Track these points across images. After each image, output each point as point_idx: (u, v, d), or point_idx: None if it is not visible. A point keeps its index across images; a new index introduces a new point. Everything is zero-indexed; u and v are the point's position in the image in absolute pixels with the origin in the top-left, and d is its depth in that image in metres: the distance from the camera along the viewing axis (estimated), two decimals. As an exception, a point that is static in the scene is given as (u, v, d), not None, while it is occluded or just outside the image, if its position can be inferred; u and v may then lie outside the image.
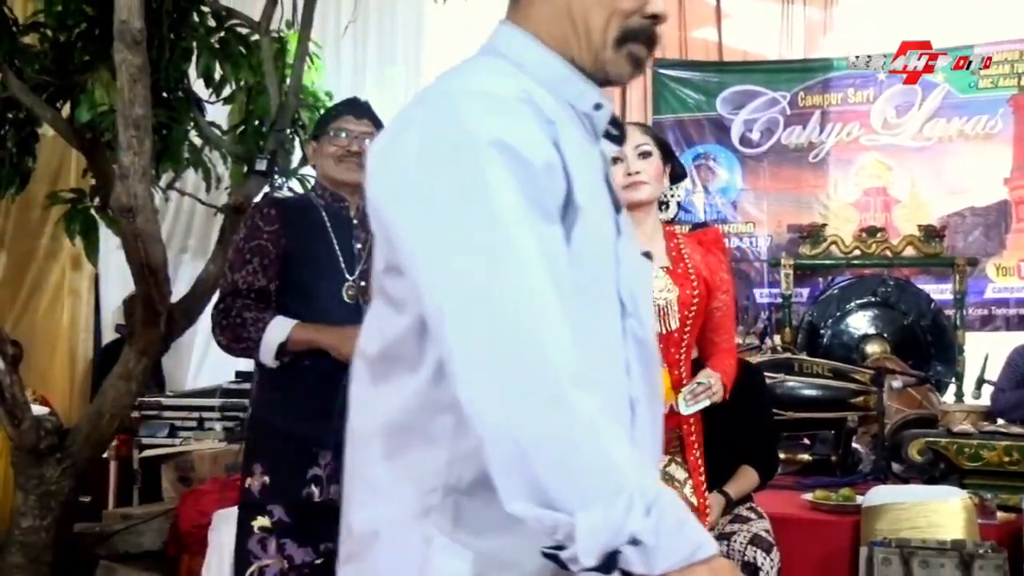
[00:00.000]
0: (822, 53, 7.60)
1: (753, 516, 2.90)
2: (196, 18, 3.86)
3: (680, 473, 2.19)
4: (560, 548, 0.92)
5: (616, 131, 1.19)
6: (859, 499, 3.33)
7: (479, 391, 0.95)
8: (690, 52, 8.26)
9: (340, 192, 2.39)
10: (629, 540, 0.89)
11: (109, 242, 4.47)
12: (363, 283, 2.32)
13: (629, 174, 2.19)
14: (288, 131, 3.85)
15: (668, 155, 2.30)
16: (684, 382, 2.19)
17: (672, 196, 2.35)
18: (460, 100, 1.06)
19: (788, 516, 3.39)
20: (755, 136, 7.31)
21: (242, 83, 4.04)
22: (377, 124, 2.46)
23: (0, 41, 3.48)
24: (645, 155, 2.22)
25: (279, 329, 2.18)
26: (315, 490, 2.20)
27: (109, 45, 3.10)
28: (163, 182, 4.27)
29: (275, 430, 2.26)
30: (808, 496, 3.61)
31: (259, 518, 2.21)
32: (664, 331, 2.15)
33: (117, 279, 6.30)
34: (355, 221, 2.40)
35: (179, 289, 4.16)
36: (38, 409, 3.85)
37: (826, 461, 4.45)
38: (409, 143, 1.04)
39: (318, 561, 2.18)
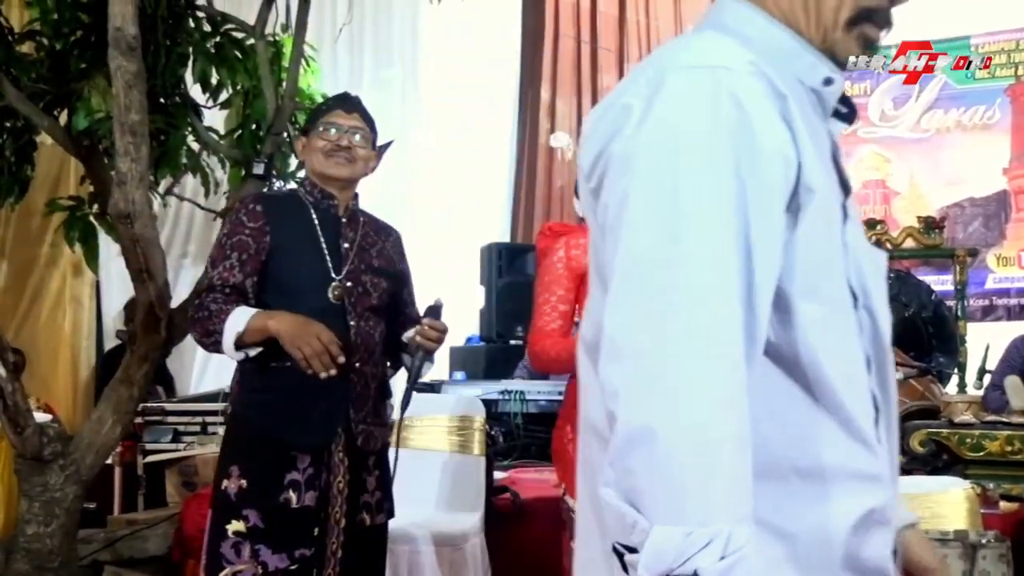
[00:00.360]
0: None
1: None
2: (191, 23, 3.86)
3: None
4: (630, 550, 0.89)
5: (845, 108, 1.13)
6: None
7: (628, 375, 0.90)
8: (686, 48, 8.28)
9: (329, 189, 2.33)
10: (690, 574, 0.85)
11: (110, 248, 4.49)
12: (349, 283, 2.28)
13: None
14: (285, 134, 3.85)
15: None
16: None
17: None
18: (687, 75, 0.96)
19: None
20: (753, 131, 7.30)
21: (238, 87, 4.05)
22: (367, 119, 2.42)
23: (-4, 50, 3.49)
24: None
25: (238, 318, 2.11)
26: (292, 496, 2.14)
27: (105, 52, 3.10)
28: (162, 188, 4.28)
29: (253, 432, 2.20)
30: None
31: (233, 522, 2.15)
32: None
33: (118, 285, 6.31)
34: (343, 219, 2.35)
35: (180, 293, 4.17)
36: (41, 416, 3.85)
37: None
38: (628, 118, 0.96)
39: (293, 567, 2.14)
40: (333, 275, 2.26)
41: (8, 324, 6.58)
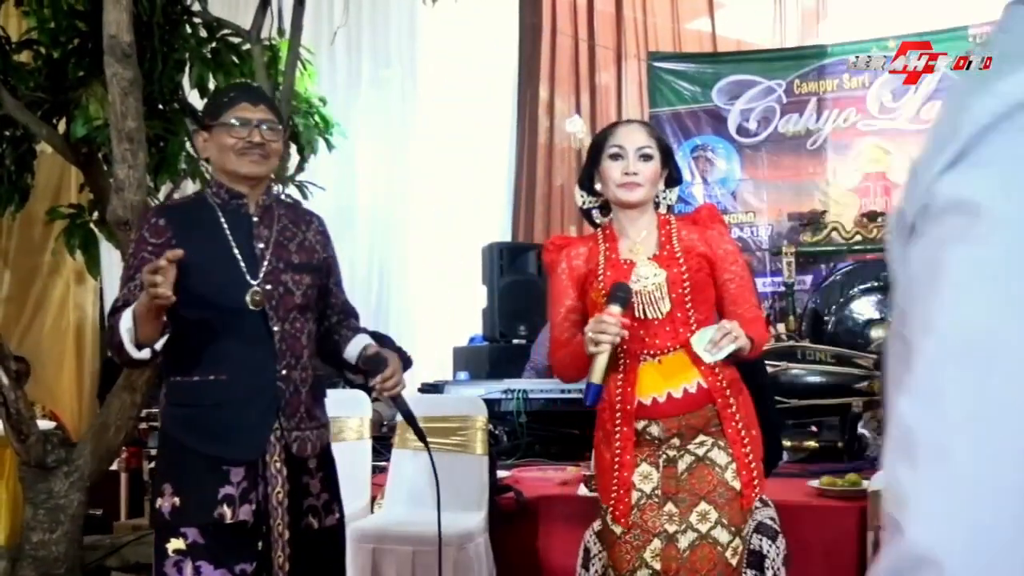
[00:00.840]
0: (817, 40, 7.60)
1: (758, 504, 2.90)
2: (188, 29, 3.88)
3: (722, 458, 2.14)
4: None
5: None
6: (865, 484, 3.33)
7: (925, 488, 0.69)
8: (684, 44, 8.27)
9: (238, 188, 2.18)
10: None
11: (112, 255, 4.50)
12: (268, 286, 2.15)
13: (627, 173, 2.20)
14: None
15: (668, 159, 2.29)
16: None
17: (664, 199, 2.33)
18: None
19: (795, 503, 3.39)
20: (752, 125, 7.31)
21: (236, 92, 4.06)
22: (274, 109, 2.26)
23: (-6, 60, 3.51)
24: (646, 158, 2.21)
25: (125, 318, 2.00)
26: (227, 510, 2.06)
27: (102, 60, 3.12)
28: (162, 193, 4.30)
29: (183, 448, 2.11)
30: (814, 483, 3.61)
31: (172, 540, 2.08)
32: (656, 317, 2.16)
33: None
34: (255, 218, 2.20)
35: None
36: (45, 424, 3.88)
37: (833, 447, 4.45)
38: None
39: None
40: (249, 280, 2.13)
41: (12, 332, 6.60)
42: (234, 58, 3.98)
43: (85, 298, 7.06)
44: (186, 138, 4.00)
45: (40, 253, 6.74)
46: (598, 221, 2.35)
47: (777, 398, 4.08)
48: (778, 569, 2.71)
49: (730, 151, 7.41)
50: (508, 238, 8.13)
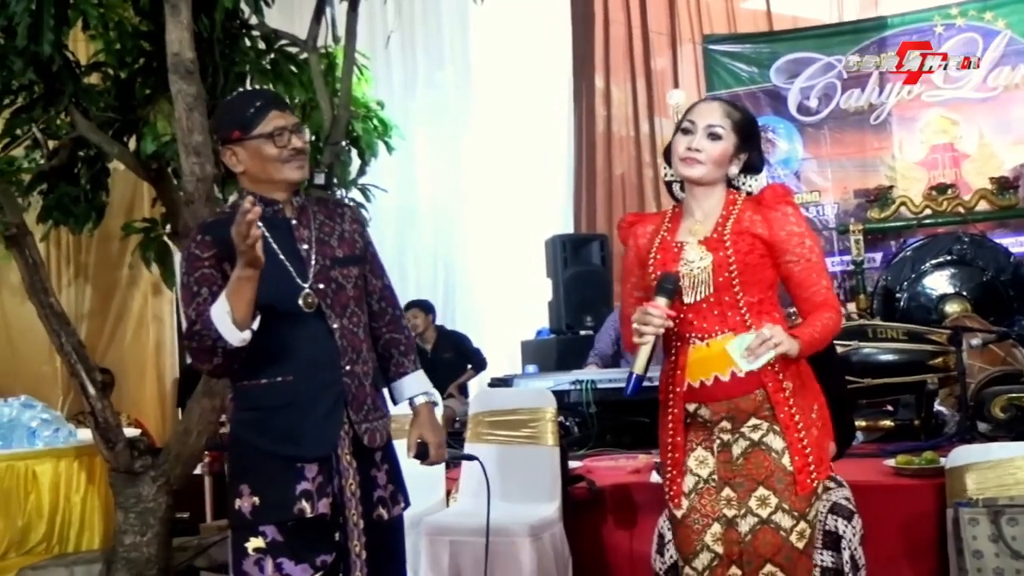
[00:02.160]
0: (876, 12, 7.46)
1: (832, 485, 2.88)
2: (246, 43, 3.97)
3: (777, 442, 2.12)
4: None
5: None
6: (943, 461, 3.28)
7: None
8: (739, 23, 8.18)
9: (272, 195, 2.19)
10: None
11: (185, 267, 4.63)
12: (320, 286, 2.16)
13: (689, 148, 2.17)
14: (343, 143, 3.93)
15: (747, 143, 2.22)
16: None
17: (744, 186, 2.25)
18: None
19: (871, 483, 3.36)
20: (813, 104, 7.21)
21: (295, 101, 4.15)
22: (294, 112, 2.28)
23: (66, 84, 3.62)
24: (713, 136, 2.17)
25: (217, 307, 2.01)
26: (306, 505, 2.10)
27: (167, 78, 3.22)
28: (229, 203, 4.40)
29: (255, 449, 2.14)
30: (891, 462, 3.56)
31: (252, 539, 2.10)
32: (694, 300, 2.14)
33: (196, 301, 6.48)
34: (293, 221, 2.21)
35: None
36: (131, 432, 4.02)
37: (909, 426, 4.38)
38: None
39: (317, 575, 2.13)
40: (300, 283, 2.15)
41: (96, 345, 6.84)
42: (292, 67, 4.06)
43: (162, 309, 7.27)
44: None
45: (118, 267, 6.97)
46: (679, 196, 2.31)
47: (849, 378, 4.02)
48: (855, 549, 2.69)
49: (791, 131, 7.31)
50: (570, 230, 8.14)
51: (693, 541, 2.16)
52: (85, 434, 4.05)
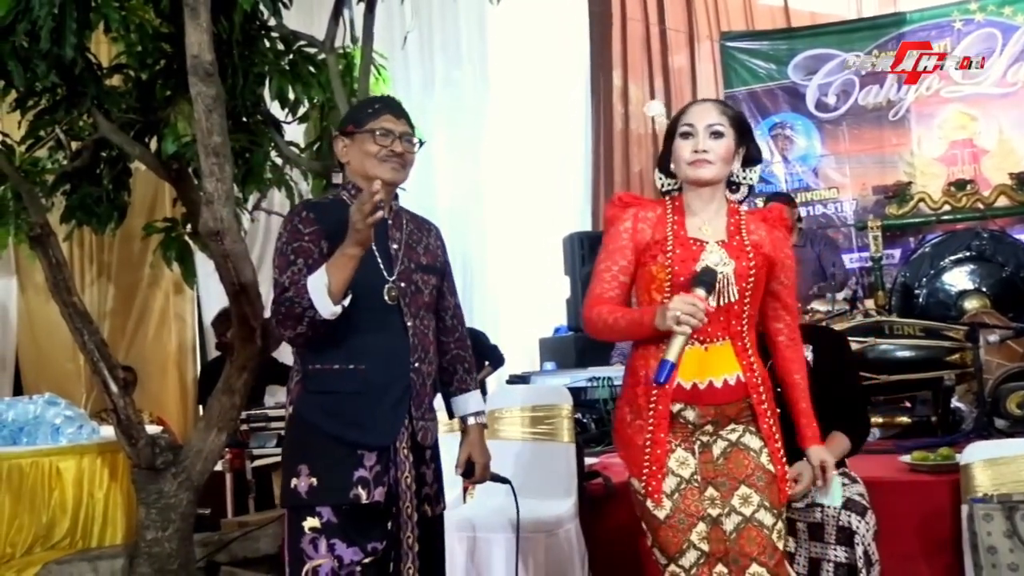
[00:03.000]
0: (895, 8, 7.42)
1: (846, 481, 2.89)
2: (265, 44, 4.00)
3: (755, 442, 2.17)
4: None
5: None
6: (958, 458, 3.28)
7: None
8: (756, 20, 8.16)
9: None
10: None
11: (207, 266, 4.68)
12: (403, 284, 2.29)
13: (696, 151, 2.19)
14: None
15: (744, 137, 2.26)
16: (748, 354, 2.18)
17: (744, 179, 2.29)
18: None
19: (886, 479, 3.37)
20: (831, 100, 7.19)
21: (314, 101, 4.18)
22: (411, 124, 2.41)
23: (88, 86, 3.67)
24: (716, 135, 2.20)
25: (316, 280, 2.12)
26: (362, 492, 2.18)
27: (187, 79, 3.25)
28: (250, 204, 4.45)
29: (319, 432, 2.21)
30: (906, 458, 3.57)
31: (309, 519, 2.19)
32: (723, 303, 2.15)
33: (216, 300, 6.57)
34: (389, 221, 2.33)
35: (273, 304, 4.32)
36: (153, 429, 4.07)
37: (927, 422, 4.38)
38: None
39: (366, 560, 2.19)
40: (386, 276, 2.27)
41: (119, 343, 6.92)
42: (311, 68, 4.09)
43: (184, 308, 7.35)
44: (270, 148, 4.13)
45: (140, 267, 7.04)
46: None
47: (865, 374, 4.02)
48: (868, 544, 2.70)
49: (809, 127, 7.30)
50: (588, 227, 8.15)
51: (679, 541, 2.16)
52: (108, 431, 4.10)
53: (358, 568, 2.19)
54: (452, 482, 3.64)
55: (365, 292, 2.20)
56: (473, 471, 2.48)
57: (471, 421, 2.50)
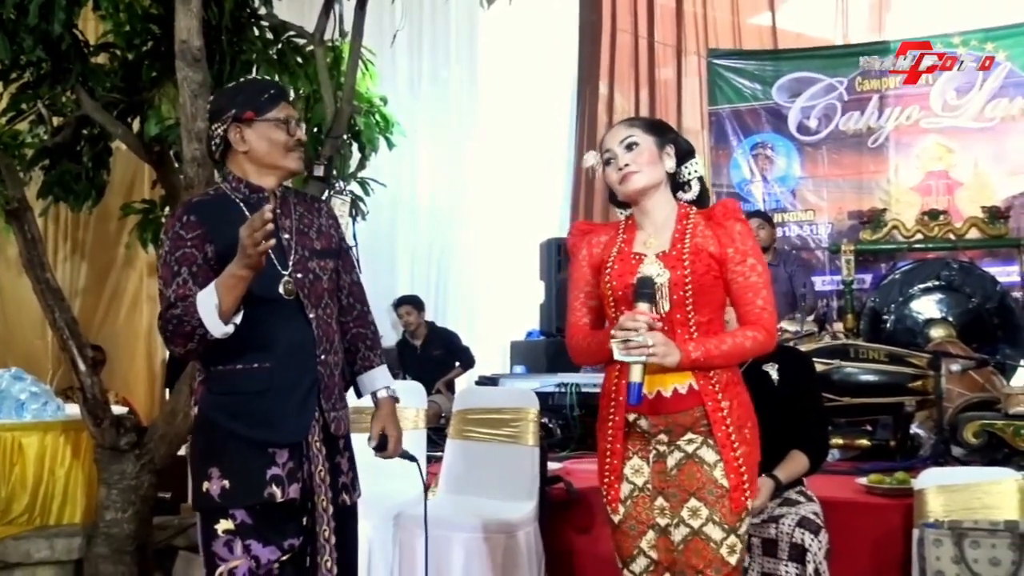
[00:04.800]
0: (880, 35, 7.53)
1: (802, 499, 2.94)
2: (255, 32, 4.01)
3: (710, 455, 2.17)
4: None
5: None
6: (914, 483, 3.34)
7: None
8: (744, 39, 8.25)
9: (260, 182, 2.24)
10: None
11: (181, 249, 4.67)
12: (299, 275, 2.21)
13: (620, 169, 2.22)
14: (344, 137, 3.98)
15: (664, 136, 2.28)
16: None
17: (689, 175, 2.29)
18: None
19: (842, 500, 3.42)
20: (812, 123, 7.28)
21: (300, 92, 4.19)
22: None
23: (74, 62, 3.67)
24: (631, 146, 2.23)
25: (205, 297, 2.04)
26: (276, 490, 2.13)
27: (174, 62, 3.26)
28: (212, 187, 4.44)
29: (227, 432, 2.15)
30: (863, 480, 3.63)
31: (222, 521, 2.14)
32: (662, 313, 2.17)
33: (190, 284, 6.52)
34: (277, 210, 2.24)
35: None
36: (119, 410, 4.06)
37: (885, 446, 4.45)
38: None
39: (284, 558, 2.17)
40: (280, 270, 2.20)
41: (89, 322, 6.87)
42: (298, 59, 4.10)
43: (157, 290, 7.30)
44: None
45: (115, 247, 7.00)
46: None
47: (828, 395, 4.08)
48: (820, 563, 2.74)
49: (790, 149, 7.38)
50: (566, 234, 8.18)
51: (630, 546, 2.23)
52: (73, 409, 4.09)
53: (275, 566, 2.16)
54: (414, 480, 3.67)
55: (261, 288, 2.12)
56: (386, 444, 2.42)
57: (382, 394, 2.44)
